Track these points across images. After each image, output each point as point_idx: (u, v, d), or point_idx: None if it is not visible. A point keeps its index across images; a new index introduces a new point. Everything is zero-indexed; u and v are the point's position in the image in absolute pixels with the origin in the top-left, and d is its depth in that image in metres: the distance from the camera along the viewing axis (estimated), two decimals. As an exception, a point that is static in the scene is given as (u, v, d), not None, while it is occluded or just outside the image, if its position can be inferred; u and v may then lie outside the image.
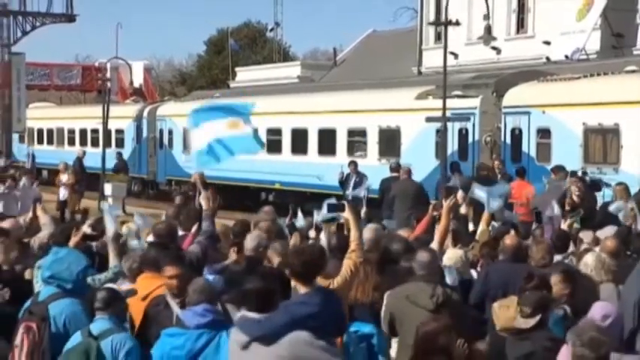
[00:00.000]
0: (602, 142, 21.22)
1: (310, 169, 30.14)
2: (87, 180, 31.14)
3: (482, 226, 10.83)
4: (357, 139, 28.78)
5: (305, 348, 5.37)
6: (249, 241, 8.51)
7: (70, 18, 40.98)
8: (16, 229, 9.63)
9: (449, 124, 25.00)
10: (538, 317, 6.16)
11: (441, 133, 23.28)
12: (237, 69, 55.89)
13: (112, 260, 8.08)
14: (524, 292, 6.71)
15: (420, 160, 25.76)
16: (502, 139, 23.83)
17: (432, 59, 39.05)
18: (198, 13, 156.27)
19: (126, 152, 40.09)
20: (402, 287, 7.06)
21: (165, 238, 8.32)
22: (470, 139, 24.69)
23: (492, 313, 6.70)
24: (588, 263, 7.92)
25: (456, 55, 37.51)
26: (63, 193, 27.64)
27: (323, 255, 6.17)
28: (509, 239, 8.80)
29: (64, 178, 28.03)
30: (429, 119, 24.20)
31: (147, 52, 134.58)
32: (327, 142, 29.95)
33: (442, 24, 24.08)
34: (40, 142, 48.37)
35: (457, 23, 25.81)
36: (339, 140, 29.42)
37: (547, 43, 31.36)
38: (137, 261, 7.57)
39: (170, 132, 38.89)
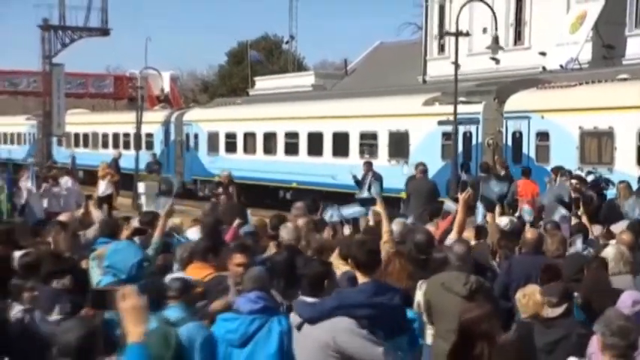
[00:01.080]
0: (597, 144, 21.15)
1: (325, 169, 30.03)
2: (122, 179, 31.15)
3: (491, 220, 10.81)
4: (368, 142, 28.67)
5: (345, 334, 5.21)
6: (286, 234, 8.38)
7: (104, 32, 41.03)
8: (72, 223, 9.48)
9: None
10: (564, 306, 6.04)
11: (452, 136, 23.27)
12: (255, 78, 55.79)
13: (156, 237, 8.01)
14: (543, 282, 6.58)
15: (427, 161, 25.31)
16: (504, 141, 23.72)
17: (436, 69, 38.94)
18: (219, 27, 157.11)
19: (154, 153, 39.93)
20: (437, 276, 6.96)
21: (213, 230, 8.20)
22: (474, 142, 24.54)
23: (517, 302, 6.55)
24: (609, 255, 7.69)
25: (458, 65, 37.42)
26: (102, 190, 27.60)
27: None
28: (530, 233, 8.62)
29: (104, 172, 28.07)
30: (441, 122, 24.10)
31: (171, 63, 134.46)
32: (340, 144, 29.84)
33: (453, 34, 23.88)
34: (77, 145, 48.44)
35: (467, 34, 25.77)
36: (352, 143, 29.35)
37: (543, 54, 31.15)
38: (187, 251, 7.41)
39: (196, 136, 38.88)
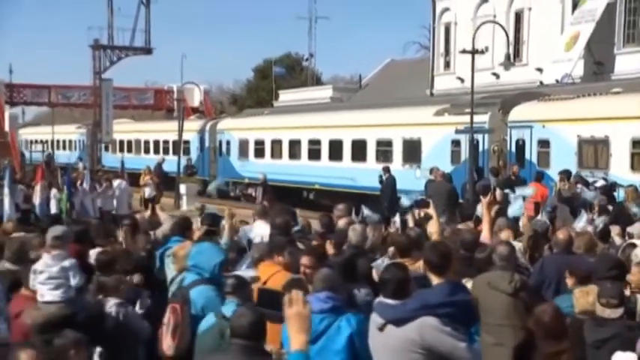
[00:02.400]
0: (593, 150, 20.91)
1: (345, 172, 29.96)
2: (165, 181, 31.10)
3: (524, 220, 10.41)
4: (384, 148, 28.46)
5: (432, 332, 5.00)
6: (354, 236, 8.14)
7: (147, 50, 41.13)
8: (143, 223, 9.28)
9: (463, 136, 24.71)
10: (623, 308, 5.73)
11: (469, 143, 22.89)
12: (279, 91, 55.77)
13: (225, 237, 7.83)
14: (604, 279, 6.30)
15: (438, 166, 25.38)
16: (508, 148, 23.48)
17: (442, 83, 38.70)
18: (245, 46, 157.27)
19: (190, 158, 40.12)
20: (483, 275, 6.72)
21: (283, 231, 7.99)
22: (481, 149, 24.28)
23: (573, 298, 6.22)
24: (638, 254, 7.44)
25: (462, 80, 37.09)
26: (148, 192, 27.52)
27: (452, 250, 5.83)
28: (562, 234, 8.25)
29: (147, 179, 27.98)
30: (458, 131, 23.99)
31: (201, 78, 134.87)
32: (359, 150, 29.65)
33: (470, 52, 23.64)
34: (122, 150, 48.40)
35: (483, 52, 25.67)
36: (369, 149, 29.16)
37: (539, 70, 30.86)
38: (259, 251, 7.19)
39: (228, 143, 38.78)
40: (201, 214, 11.85)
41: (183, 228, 8.37)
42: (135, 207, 26.60)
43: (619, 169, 19.80)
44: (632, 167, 19.69)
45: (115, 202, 24.92)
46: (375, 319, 5.24)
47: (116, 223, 10.51)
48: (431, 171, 19.45)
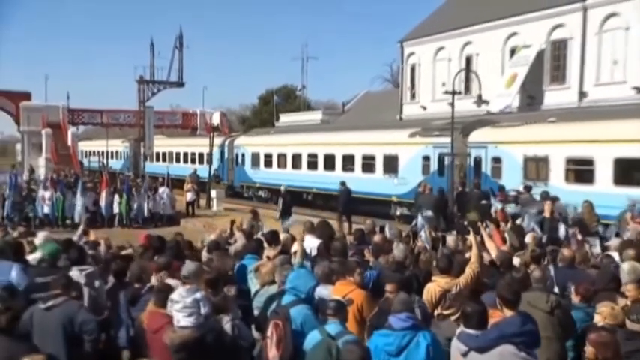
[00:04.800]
0: (536, 166, 20.68)
1: (336, 180, 29.35)
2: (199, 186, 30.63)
3: (529, 238, 9.86)
4: (368, 162, 28.13)
5: (511, 358, 4.68)
6: (398, 252, 7.78)
7: (180, 84, 40.44)
8: (222, 242, 8.71)
9: (432, 151, 24.46)
10: None
11: (449, 163, 22.47)
12: (280, 114, 55.19)
13: (298, 258, 7.37)
14: (604, 290, 5.92)
15: (412, 176, 25.30)
16: (468, 163, 23.21)
17: (409, 110, 38.46)
18: (250, 78, 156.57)
19: (214, 168, 39.44)
20: (524, 294, 6.11)
21: (341, 255, 7.49)
22: (446, 162, 23.99)
23: (605, 311, 5.74)
24: (625, 268, 6.76)
25: (424, 108, 36.89)
26: (190, 197, 26.99)
27: (525, 286, 5.41)
28: (567, 251, 7.84)
29: (189, 187, 27.45)
30: (442, 155, 23.53)
31: (215, 102, 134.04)
32: (348, 163, 29.31)
33: (451, 93, 23.21)
34: (157, 160, 47.61)
35: (461, 92, 25.42)
36: (357, 162, 28.82)
37: (486, 101, 30.60)
38: (326, 270, 6.69)
39: (242, 155, 38.32)
40: (254, 218, 11.29)
41: (256, 247, 7.91)
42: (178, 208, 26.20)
43: (556, 181, 19.67)
44: (566, 180, 19.54)
45: (161, 205, 24.46)
46: (459, 346, 4.91)
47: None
48: (420, 185, 18.95)
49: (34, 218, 22.41)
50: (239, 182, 38.30)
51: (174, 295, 4.93)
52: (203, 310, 5.00)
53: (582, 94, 28.81)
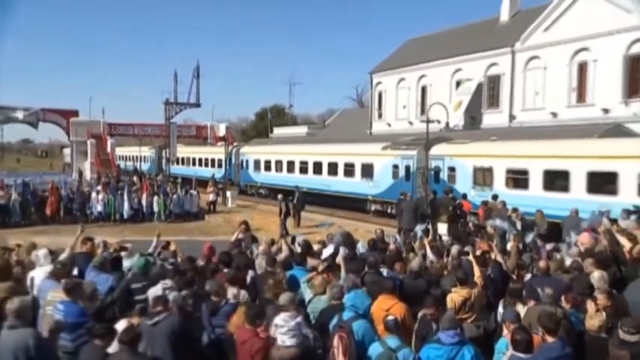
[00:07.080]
0: (483, 175, 20.76)
1: (323, 182, 29.34)
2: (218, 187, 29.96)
3: (513, 245, 8.97)
4: (349, 169, 27.86)
5: None
6: (415, 265, 7.38)
7: (197, 105, 39.57)
8: (269, 255, 7.94)
9: (400, 161, 24.25)
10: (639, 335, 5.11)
11: (424, 169, 21.86)
12: (274, 128, 54.46)
13: (343, 272, 6.85)
14: (581, 295, 5.65)
15: (384, 180, 25.22)
16: (429, 172, 23.11)
17: (376, 127, 38.23)
18: (246, 97, 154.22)
19: (224, 170, 38.81)
20: (533, 308, 5.82)
21: (376, 266, 7.15)
22: (412, 170, 23.89)
23: (587, 317, 5.42)
24: (595, 276, 6.41)
25: (389, 125, 36.71)
26: (212, 197, 26.35)
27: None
28: (543, 263, 7.19)
29: (211, 189, 26.80)
30: (404, 157, 23.29)
31: (217, 115, 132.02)
32: (333, 169, 28.97)
33: (425, 122, 22.43)
34: (178, 163, 46.55)
35: (436, 121, 25.00)
36: (339, 168, 28.51)
37: (438, 121, 30.57)
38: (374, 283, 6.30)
39: (246, 161, 37.67)
40: (246, 229, 10.49)
41: (302, 259, 7.55)
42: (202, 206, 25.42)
43: (499, 186, 19.78)
44: (507, 185, 19.61)
45: (189, 204, 23.85)
46: None
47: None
48: (402, 194, 18.66)
49: (90, 214, 21.68)
50: (244, 182, 37.68)
51: (278, 321, 4.61)
52: (304, 331, 4.71)
53: (512, 117, 29.03)
